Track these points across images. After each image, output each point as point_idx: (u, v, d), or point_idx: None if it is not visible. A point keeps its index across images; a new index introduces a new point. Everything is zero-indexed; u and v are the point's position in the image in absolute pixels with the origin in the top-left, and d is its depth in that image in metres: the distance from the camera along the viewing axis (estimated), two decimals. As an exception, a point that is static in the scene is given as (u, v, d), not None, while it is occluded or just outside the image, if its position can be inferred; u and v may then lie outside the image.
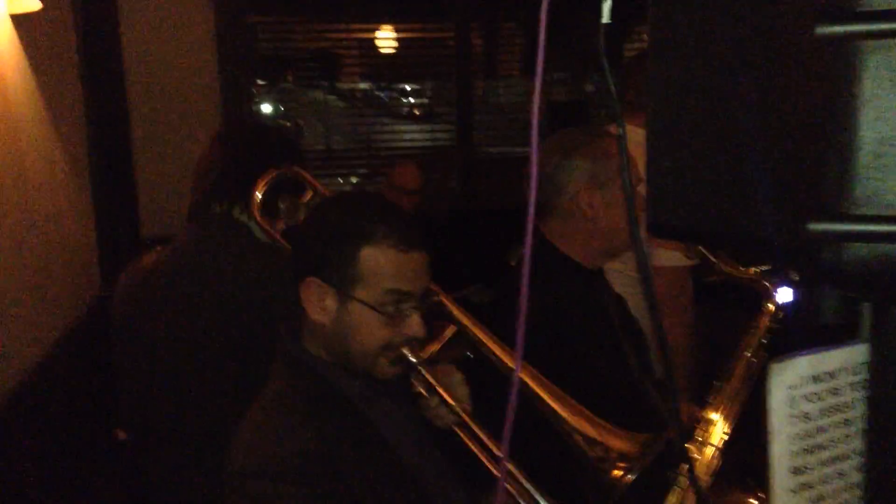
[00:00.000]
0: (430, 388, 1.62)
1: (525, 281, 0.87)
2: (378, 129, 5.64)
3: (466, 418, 1.60)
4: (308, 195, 2.21)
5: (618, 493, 1.54)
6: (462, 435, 1.62)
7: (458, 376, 1.67)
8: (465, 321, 1.78)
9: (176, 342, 2.24)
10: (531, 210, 0.89)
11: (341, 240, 1.57)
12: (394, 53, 5.55)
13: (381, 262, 1.55)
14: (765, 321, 2.04)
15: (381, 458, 1.57)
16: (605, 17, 0.86)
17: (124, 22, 4.17)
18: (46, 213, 2.95)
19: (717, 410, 1.95)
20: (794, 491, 0.84)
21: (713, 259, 2.04)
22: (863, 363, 0.84)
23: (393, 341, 1.58)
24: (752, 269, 2.08)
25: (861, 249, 0.65)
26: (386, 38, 5.47)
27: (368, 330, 1.57)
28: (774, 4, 0.69)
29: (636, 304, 2.41)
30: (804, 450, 0.84)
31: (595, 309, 2.14)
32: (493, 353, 1.73)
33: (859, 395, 0.86)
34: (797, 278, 0.84)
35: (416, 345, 1.62)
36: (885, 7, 0.61)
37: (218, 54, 4.52)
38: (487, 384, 1.60)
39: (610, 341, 2.13)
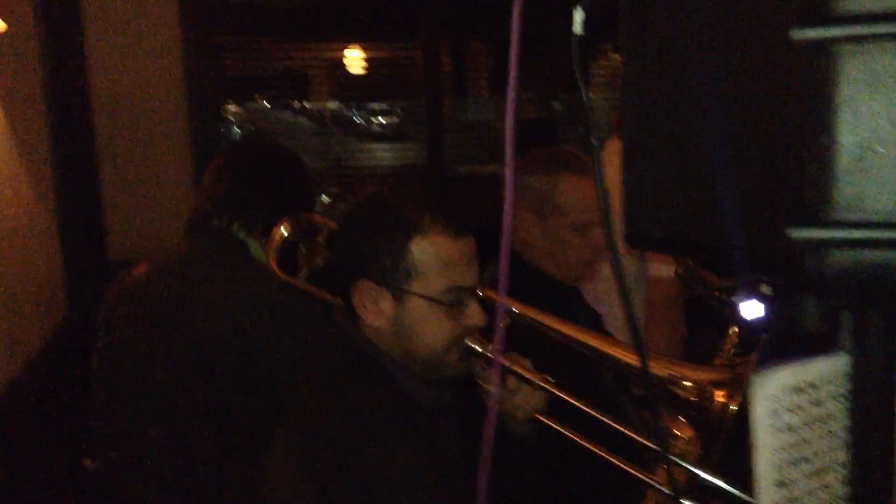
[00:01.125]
0: (507, 374, 1.56)
1: (502, 292, 0.85)
2: (348, 149, 5.62)
3: (555, 389, 1.55)
4: (324, 235, 2.16)
5: (728, 422, 1.51)
6: (544, 419, 1.58)
7: (527, 362, 1.60)
8: (520, 308, 1.73)
9: (159, 355, 2.20)
10: (506, 228, 0.87)
11: (388, 235, 1.49)
12: (363, 73, 5.54)
13: (433, 251, 1.48)
14: (729, 344, 2.03)
15: (452, 475, 1.50)
16: (578, 29, 0.85)
17: (90, 42, 4.11)
18: (10, 236, 2.89)
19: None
20: (778, 505, 0.82)
21: (694, 272, 2.05)
22: (844, 373, 0.83)
23: (457, 334, 1.52)
24: (717, 289, 2.09)
25: (842, 256, 0.64)
26: (355, 58, 5.46)
27: (432, 325, 1.49)
28: (750, 9, 0.68)
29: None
30: (788, 462, 0.82)
31: None
32: (558, 331, 1.70)
33: (842, 405, 0.84)
34: (768, 292, 0.83)
35: (479, 335, 1.55)
36: (862, 10, 0.60)
37: (185, 75, 4.48)
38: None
39: (580, 358, 2.12)
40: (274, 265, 2.07)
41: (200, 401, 2.15)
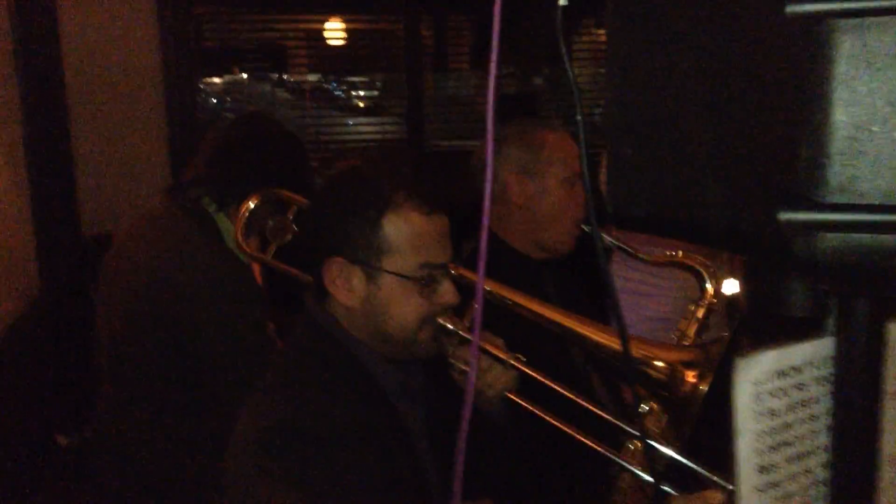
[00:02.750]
0: (480, 353, 1.54)
1: (481, 273, 0.83)
2: (327, 122, 5.56)
3: (526, 368, 1.55)
4: (292, 211, 2.15)
5: (697, 404, 1.50)
6: (516, 399, 1.58)
7: (500, 341, 1.59)
8: (491, 286, 1.72)
9: (114, 317, 2.26)
10: (486, 204, 0.85)
11: (361, 211, 1.45)
12: (343, 46, 5.47)
13: (406, 228, 1.45)
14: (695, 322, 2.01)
15: (408, 454, 1.49)
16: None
17: (62, 13, 4.01)
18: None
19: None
20: (760, 490, 0.81)
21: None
22: (828, 357, 0.82)
23: (429, 312, 1.49)
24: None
25: (833, 240, 0.62)
26: (335, 31, 5.38)
27: (404, 302, 1.46)
28: (743, -18, 0.66)
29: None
30: (770, 447, 0.81)
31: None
32: (530, 309, 1.69)
33: (825, 390, 0.83)
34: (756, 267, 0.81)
35: (452, 313, 1.53)
36: (859, -16, 0.58)
37: (161, 47, 4.40)
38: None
39: (552, 337, 2.11)
40: (240, 238, 2.06)
41: (141, 361, 2.20)
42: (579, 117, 0.86)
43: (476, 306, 0.82)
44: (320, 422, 1.37)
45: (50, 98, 3.88)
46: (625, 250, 2.22)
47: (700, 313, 1.99)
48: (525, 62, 5.88)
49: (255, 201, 2.12)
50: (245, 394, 1.63)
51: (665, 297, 2.83)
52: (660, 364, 1.57)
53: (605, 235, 2.28)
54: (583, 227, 2.22)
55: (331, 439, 1.35)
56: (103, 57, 4.23)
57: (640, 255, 2.17)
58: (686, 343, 1.93)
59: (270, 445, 1.36)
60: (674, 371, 1.56)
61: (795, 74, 0.61)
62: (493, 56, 0.84)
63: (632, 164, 0.77)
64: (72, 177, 4.11)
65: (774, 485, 0.82)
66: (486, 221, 0.95)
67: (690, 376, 1.55)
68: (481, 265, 0.83)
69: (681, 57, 0.72)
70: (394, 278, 1.45)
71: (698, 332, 1.97)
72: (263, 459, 1.36)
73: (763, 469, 0.81)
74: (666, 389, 1.58)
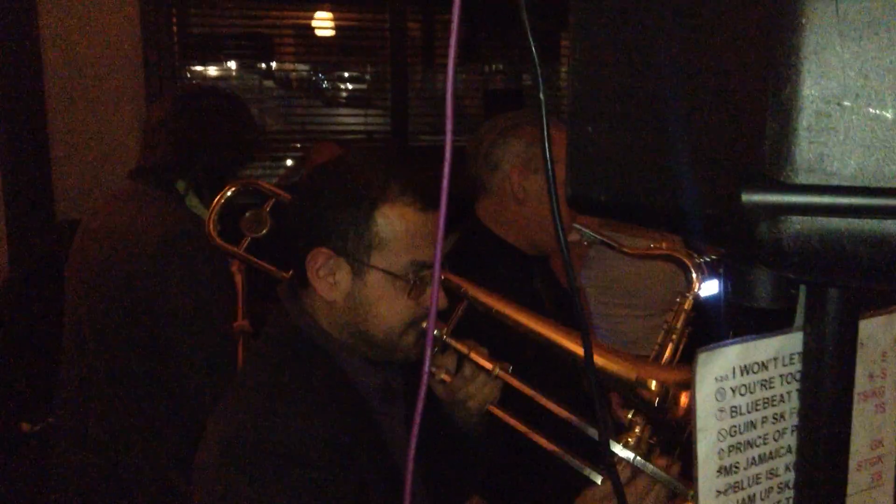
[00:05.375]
0: (462, 360, 1.48)
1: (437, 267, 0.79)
2: (313, 114, 5.52)
3: (510, 377, 1.48)
4: (269, 203, 2.10)
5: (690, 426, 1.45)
6: (497, 412, 1.51)
7: (484, 350, 1.52)
8: (475, 292, 1.64)
9: (82, 288, 2.25)
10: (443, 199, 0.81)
11: (354, 202, 1.38)
12: (329, 38, 5.42)
13: (400, 223, 1.38)
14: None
15: (382, 464, 1.42)
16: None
17: (41, -6, 3.95)
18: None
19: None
20: (722, 492, 0.77)
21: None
22: (796, 353, 0.78)
23: (417, 314, 1.42)
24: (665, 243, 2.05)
25: (800, 224, 0.57)
26: (321, 22, 5.33)
27: (389, 302, 1.39)
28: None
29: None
30: (733, 447, 0.77)
31: (522, 296, 2.07)
32: (515, 319, 1.60)
33: (792, 387, 0.79)
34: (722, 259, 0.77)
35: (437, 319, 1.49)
36: (831, -54, 0.54)
37: (143, 33, 4.33)
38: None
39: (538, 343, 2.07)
40: (212, 230, 2.00)
41: (102, 335, 2.19)
42: (542, 96, 0.81)
43: (431, 290, 0.77)
44: (287, 436, 1.29)
45: (27, 83, 3.81)
46: (608, 245, 2.17)
47: (687, 304, 1.95)
48: (514, 59, 5.84)
49: (233, 192, 2.06)
50: (209, 367, 1.56)
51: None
52: (654, 386, 1.51)
53: (585, 229, 2.24)
54: (576, 226, 2.17)
55: (296, 455, 1.28)
56: (82, 41, 4.15)
57: (624, 249, 2.13)
58: (674, 337, 1.88)
59: (232, 458, 1.29)
60: (667, 392, 1.50)
61: (762, 45, 0.56)
62: (451, 52, 0.80)
63: (593, 144, 0.73)
64: (47, 162, 4.04)
65: (736, 487, 0.78)
66: (443, 211, 0.90)
67: (685, 398, 1.49)
68: (438, 250, 0.78)
69: (644, 32, 0.68)
70: (381, 275, 1.39)
71: (685, 325, 1.93)
72: (225, 476, 1.29)
73: (724, 470, 0.77)
74: (659, 412, 1.51)
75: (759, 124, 0.57)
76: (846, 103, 0.54)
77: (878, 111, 0.54)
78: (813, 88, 0.55)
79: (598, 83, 0.71)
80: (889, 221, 0.55)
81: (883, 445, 0.86)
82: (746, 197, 0.58)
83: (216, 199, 2.06)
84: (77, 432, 2.23)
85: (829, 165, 0.55)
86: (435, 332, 1.44)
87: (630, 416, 1.52)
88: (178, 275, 2.12)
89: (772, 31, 0.56)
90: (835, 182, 0.55)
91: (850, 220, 0.56)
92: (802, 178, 0.56)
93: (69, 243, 2.41)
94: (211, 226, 2.01)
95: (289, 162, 5.44)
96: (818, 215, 0.57)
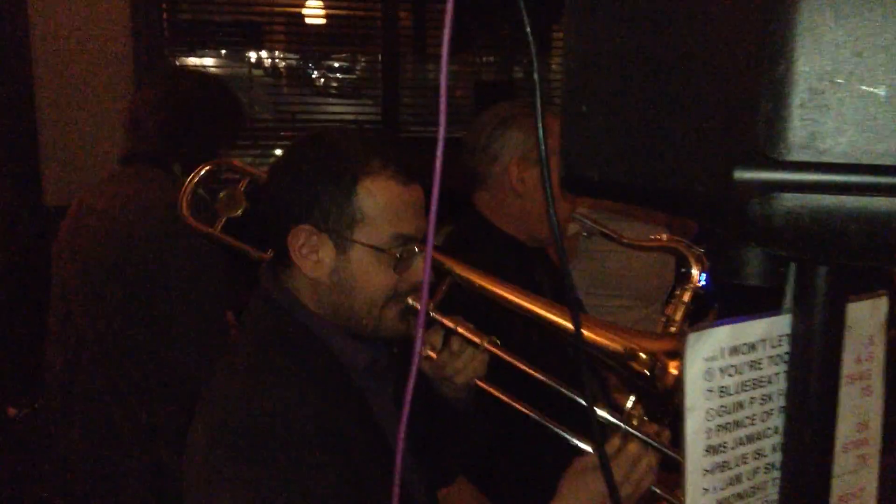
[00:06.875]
0: (448, 335, 1.48)
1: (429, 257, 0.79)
2: (302, 103, 5.49)
3: (498, 350, 1.48)
4: (244, 183, 2.09)
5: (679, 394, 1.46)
6: (485, 386, 1.51)
7: (470, 325, 1.51)
8: (459, 269, 1.64)
9: (76, 267, 2.25)
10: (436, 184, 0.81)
11: (334, 177, 1.36)
12: (320, 27, 5.40)
13: (382, 197, 1.37)
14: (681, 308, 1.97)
15: (373, 441, 1.41)
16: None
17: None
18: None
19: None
20: (709, 471, 0.77)
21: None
22: (785, 335, 0.78)
23: (399, 289, 1.41)
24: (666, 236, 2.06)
25: (792, 201, 0.58)
26: (313, 11, 5.31)
27: (373, 277, 1.38)
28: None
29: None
30: (721, 427, 0.77)
31: (523, 286, 2.07)
32: (499, 294, 1.60)
33: (780, 368, 0.79)
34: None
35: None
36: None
37: (132, 19, 4.30)
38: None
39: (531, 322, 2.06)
40: (185, 210, 1.95)
41: (96, 312, 2.19)
42: (536, 76, 0.81)
43: (425, 269, 0.77)
44: (275, 419, 1.28)
45: (15, 68, 3.79)
46: (608, 235, 2.17)
47: (686, 297, 1.95)
48: (506, 51, 5.83)
49: (207, 172, 2.03)
50: (204, 343, 1.55)
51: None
52: (643, 355, 1.52)
53: (584, 218, 2.24)
54: (575, 216, 2.17)
55: (286, 435, 1.27)
56: (71, 28, 4.12)
57: (624, 240, 2.13)
58: (673, 329, 1.89)
59: (222, 438, 1.28)
60: (655, 361, 1.51)
61: (755, 21, 0.57)
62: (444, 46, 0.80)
63: (586, 123, 0.73)
64: (35, 149, 4.02)
65: (723, 466, 0.78)
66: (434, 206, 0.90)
67: (673, 367, 1.50)
68: (429, 239, 0.78)
69: (638, 10, 0.68)
70: (365, 250, 1.38)
71: (685, 317, 1.93)
72: (214, 458, 1.28)
73: (712, 449, 0.77)
74: (647, 381, 1.52)
75: (752, 101, 0.57)
76: (839, 81, 0.54)
77: (870, 89, 0.54)
78: (806, 65, 0.55)
79: (592, 62, 0.71)
80: (880, 199, 0.56)
81: (869, 428, 0.86)
82: (738, 174, 0.58)
83: (189, 178, 2.03)
84: (64, 414, 2.22)
85: (822, 143, 0.56)
86: (419, 306, 1.44)
87: (630, 402, 1.53)
88: (180, 249, 2.12)
89: (766, 8, 0.56)
90: (827, 159, 0.56)
91: (841, 197, 0.57)
92: (795, 156, 0.56)
93: (57, 230, 2.39)
94: (185, 206, 1.96)
95: (278, 151, 5.42)
96: (809, 192, 0.57)
